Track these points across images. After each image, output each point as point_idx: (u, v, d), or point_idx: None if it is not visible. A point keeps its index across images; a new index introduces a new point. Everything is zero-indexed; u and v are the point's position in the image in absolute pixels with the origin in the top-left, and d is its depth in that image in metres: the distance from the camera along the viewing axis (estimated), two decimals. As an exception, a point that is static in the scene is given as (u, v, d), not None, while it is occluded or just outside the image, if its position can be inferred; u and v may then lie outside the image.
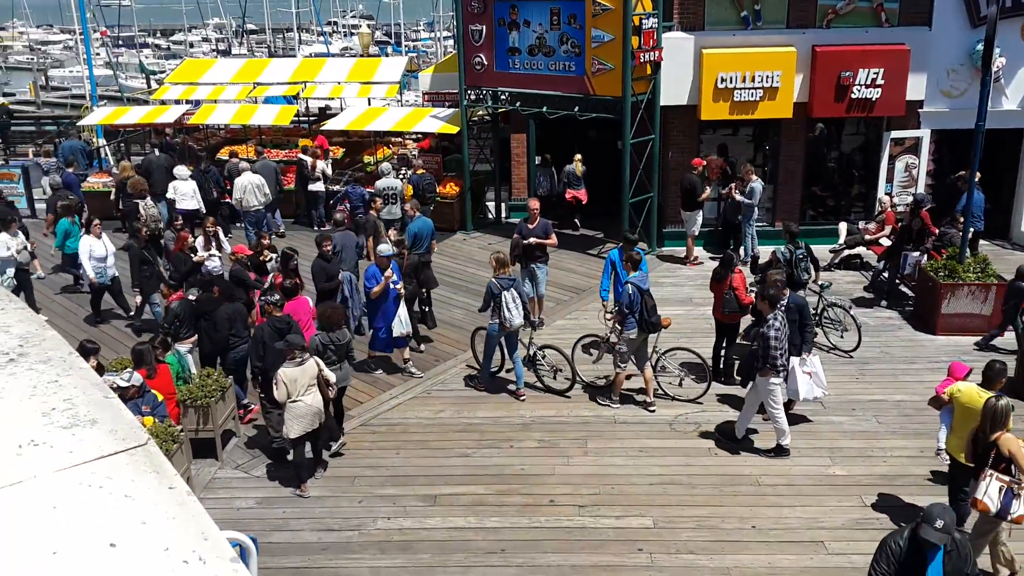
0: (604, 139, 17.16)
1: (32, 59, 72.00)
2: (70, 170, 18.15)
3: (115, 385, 8.36)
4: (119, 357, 10.70)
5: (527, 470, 9.62)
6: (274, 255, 12.77)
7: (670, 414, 10.69)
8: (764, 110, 15.66)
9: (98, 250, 13.36)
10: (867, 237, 15.44)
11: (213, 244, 13.47)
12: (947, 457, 8.24)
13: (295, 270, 11.75)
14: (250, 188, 16.38)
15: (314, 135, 20.33)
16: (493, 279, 10.96)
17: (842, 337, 12.42)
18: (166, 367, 9.63)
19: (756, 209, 15.43)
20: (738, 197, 15.40)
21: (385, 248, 11.80)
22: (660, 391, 11.09)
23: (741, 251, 15.31)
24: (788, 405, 10.26)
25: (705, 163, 15.98)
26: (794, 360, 9.84)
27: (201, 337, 10.73)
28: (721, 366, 11.51)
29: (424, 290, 13.04)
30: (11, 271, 13.52)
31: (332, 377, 9.23)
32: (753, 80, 15.41)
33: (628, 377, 10.96)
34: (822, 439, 10.06)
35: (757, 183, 15.37)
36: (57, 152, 21.28)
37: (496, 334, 10.99)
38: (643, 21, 14.83)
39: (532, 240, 12.86)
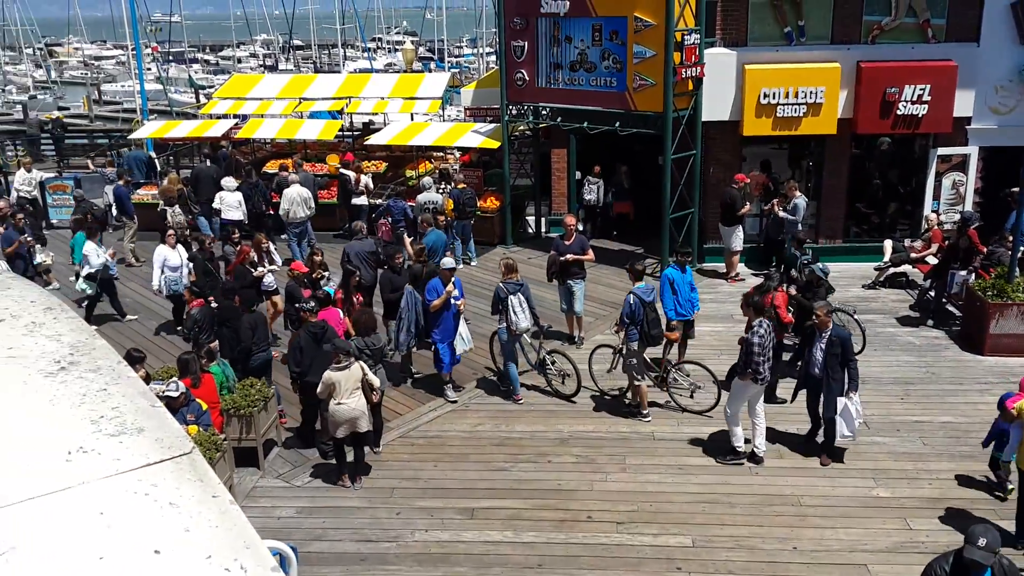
0: (645, 154, 17.13)
1: (86, 74, 74.17)
2: (121, 182, 18.58)
3: (161, 394, 8.53)
4: (165, 366, 10.92)
5: (564, 485, 9.59)
6: (326, 273, 12.95)
7: (709, 431, 10.59)
8: (807, 126, 15.51)
9: (173, 260, 13.54)
10: (913, 255, 15.18)
11: (266, 260, 13.62)
12: (1015, 470, 8.22)
13: (359, 286, 12.07)
14: (298, 200, 16.66)
15: (344, 151, 20.55)
16: (501, 283, 11.31)
17: None
18: (210, 377, 9.79)
19: (800, 226, 15.26)
20: (781, 213, 15.25)
21: (448, 261, 11.83)
22: (672, 403, 11.22)
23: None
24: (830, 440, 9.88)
25: (748, 179, 15.87)
26: (842, 400, 9.46)
27: (222, 343, 11.01)
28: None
29: None
30: (82, 278, 13.83)
31: (376, 382, 9.47)
32: (796, 96, 15.28)
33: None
34: (866, 460, 9.87)
35: (801, 199, 15.21)
36: (119, 162, 21.84)
37: (506, 338, 11.22)
38: (685, 37, 14.80)
39: (569, 256, 12.87)
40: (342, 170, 18.61)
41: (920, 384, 11.78)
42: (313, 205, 17.04)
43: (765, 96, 15.37)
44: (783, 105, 15.36)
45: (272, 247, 14.23)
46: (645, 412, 10.94)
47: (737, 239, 15.72)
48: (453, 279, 11.34)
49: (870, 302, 14.63)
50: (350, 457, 9.68)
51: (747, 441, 9.87)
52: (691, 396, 11.21)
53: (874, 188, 16.70)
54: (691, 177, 15.97)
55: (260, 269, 13.30)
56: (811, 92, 15.26)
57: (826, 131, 15.58)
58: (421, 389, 11.96)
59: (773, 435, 10.21)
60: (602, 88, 15.75)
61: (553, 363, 11.61)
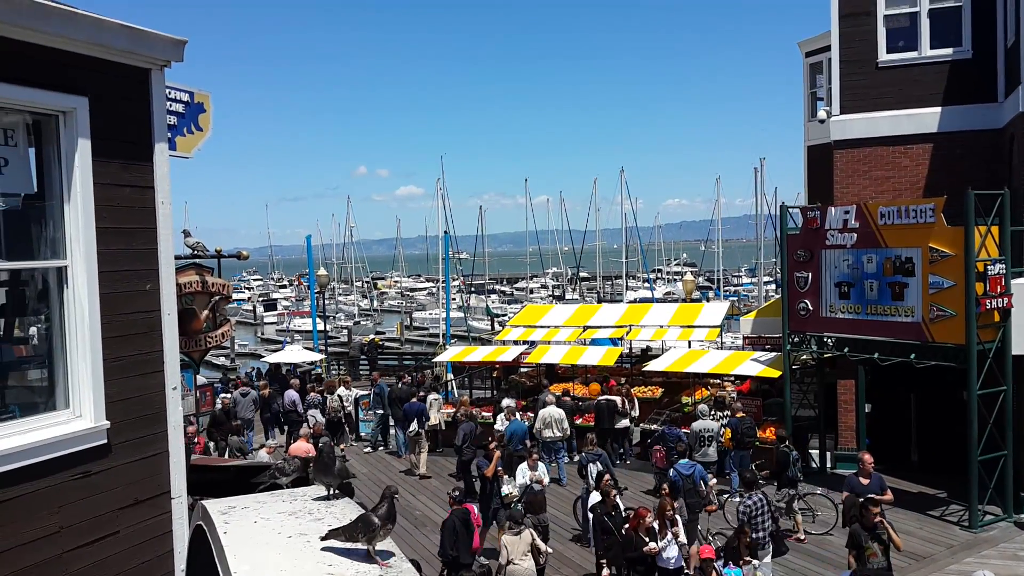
0: (945, 385, 15.81)
1: (402, 303, 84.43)
2: (414, 399, 20.37)
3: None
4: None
5: None
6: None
7: None
8: None
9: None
10: None
11: (668, 529, 10.96)
12: None
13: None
14: (551, 421, 17.36)
15: (607, 379, 21.00)
16: (583, 452, 14.37)
17: (814, 521, 14.29)
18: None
19: None
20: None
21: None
22: None
23: None
24: None
25: (1074, 420, 14.01)
26: None
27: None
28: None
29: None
30: (516, 488, 13.10)
31: (543, 546, 11.29)
32: None
33: None
34: None
35: None
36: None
37: (585, 495, 13.13)
38: (988, 267, 13.94)
39: (873, 498, 11.98)
40: (603, 397, 19.10)
41: None
42: (566, 427, 17.77)
43: (1089, 329, 13.82)
44: (1113, 339, 13.69)
45: (680, 521, 11.42)
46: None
47: (1066, 489, 13.69)
48: None
49: None
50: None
51: None
52: None
53: None
54: (1002, 415, 14.39)
55: (652, 545, 10.68)
56: None
57: None
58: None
59: None
60: (894, 318, 15.05)
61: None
